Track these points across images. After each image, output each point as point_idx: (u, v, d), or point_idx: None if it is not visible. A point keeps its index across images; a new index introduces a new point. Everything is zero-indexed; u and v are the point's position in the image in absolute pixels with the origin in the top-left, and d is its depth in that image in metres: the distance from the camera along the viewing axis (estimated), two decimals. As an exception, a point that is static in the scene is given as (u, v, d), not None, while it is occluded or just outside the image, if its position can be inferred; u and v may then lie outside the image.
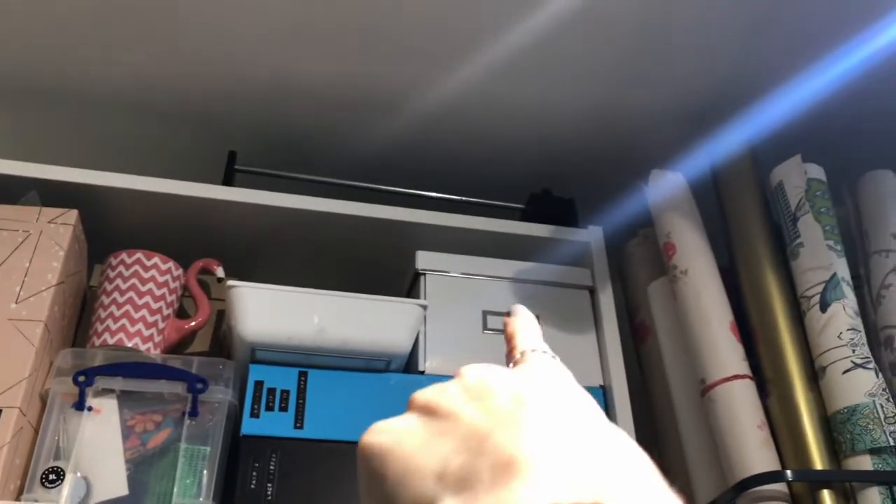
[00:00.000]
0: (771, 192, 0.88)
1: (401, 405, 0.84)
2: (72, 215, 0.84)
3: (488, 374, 0.31)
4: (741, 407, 0.75)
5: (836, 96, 0.93)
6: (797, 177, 0.85)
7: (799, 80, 0.92)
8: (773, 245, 0.85)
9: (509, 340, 0.38)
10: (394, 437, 0.30)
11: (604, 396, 0.88)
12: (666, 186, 0.91)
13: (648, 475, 0.26)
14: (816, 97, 0.91)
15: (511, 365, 0.35)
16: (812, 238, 0.81)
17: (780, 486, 0.71)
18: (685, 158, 0.96)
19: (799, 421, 0.74)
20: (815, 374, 0.77)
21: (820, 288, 0.78)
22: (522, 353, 0.35)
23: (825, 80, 0.92)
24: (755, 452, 0.73)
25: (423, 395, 0.31)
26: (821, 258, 0.79)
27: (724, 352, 0.79)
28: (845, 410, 0.72)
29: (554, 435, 0.26)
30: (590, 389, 0.88)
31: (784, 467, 0.73)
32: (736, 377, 0.77)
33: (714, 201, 0.93)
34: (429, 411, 0.30)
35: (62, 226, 0.83)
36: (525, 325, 0.37)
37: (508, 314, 0.40)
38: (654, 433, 0.92)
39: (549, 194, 1.05)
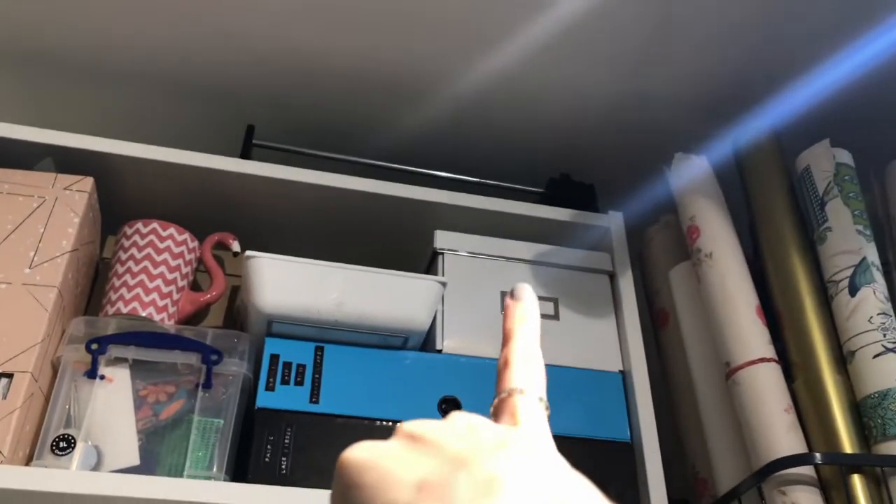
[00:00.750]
0: (797, 176, 0.87)
1: (416, 384, 0.83)
2: (87, 182, 0.83)
3: (477, 423, 0.31)
4: (767, 390, 0.74)
5: (861, 82, 0.92)
6: (825, 161, 0.83)
7: (823, 65, 0.91)
8: (799, 229, 0.84)
9: (506, 340, 0.36)
10: (376, 453, 0.30)
11: (623, 382, 0.86)
12: (690, 170, 0.90)
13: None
14: (841, 82, 0.90)
15: (496, 399, 0.34)
16: (841, 222, 0.79)
17: (807, 470, 0.70)
18: (709, 144, 0.95)
19: (827, 405, 0.72)
20: (843, 359, 0.75)
21: (849, 272, 0.77)
22: (510, 394, 0.34)
23: (849, 65, 0.90)
24: (782, 436, 0.71)
25: (410, 425, 0.31)
26: (850, 242, 0.78)
27: (749, 335, 0.77)
28: (876, 395, 0.71)
29: (534, 468, 0.28)
30: (609, 375, 0.87)
31: (812, 451, 0.71)
32: (762, 360, 0.76)
33: (738, 186, 0.91)
34: (413, 439, 0.30)
35: (78, 192, 0.82)
36: (526, 321, 0.36)
37: (511, 294, 0.38)
38: (674, 419, 0.91)
39: (569, 179, 1.04)
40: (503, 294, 0.90)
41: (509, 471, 0.27)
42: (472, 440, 0.29)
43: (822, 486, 0.70)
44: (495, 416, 0.34)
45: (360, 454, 0.30)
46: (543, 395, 0.34)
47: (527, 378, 0.34)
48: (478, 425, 0.31)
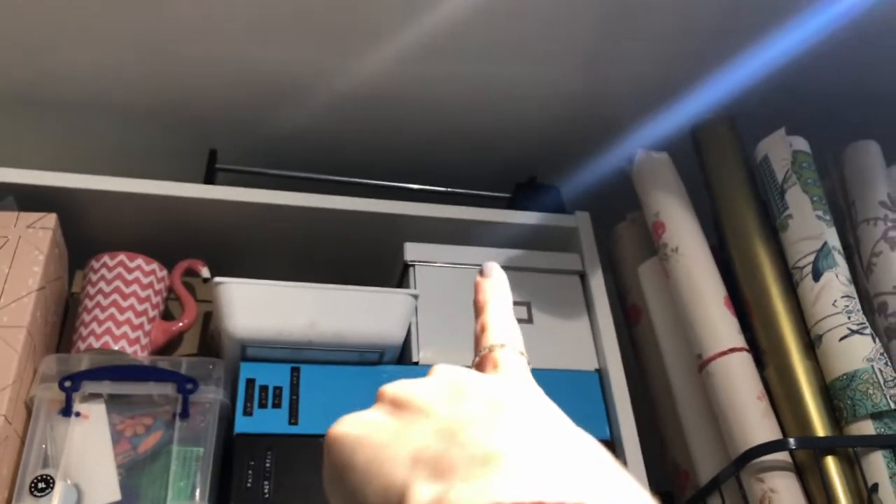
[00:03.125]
0: (756, 166, 0.88)
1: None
2: (51, 219, 0.82)
3: (464, 377, 0.30)
4: (739, 379, 0.75)
5: (812, 67, 0.93)
6: (783, 149, 0.85)
7: (774, 48, 0.92)
8: (761, 218, 0.85)
9: (479, 311, 0.36)
10: (364, 428, 0.29)
11: (600, 380, 0.87)
12: (651, 166, 0.91)
13: (624, 478, 0.25)
14: (794, 67, 0.91)
15: (477, 357, 0.34)
16: (801, 209, 0.81)
17: (783, 456, 0.71)
18: (668, 138, 0.96)
19: (798, 390, 0.74)
20: (811, 344, 0.77)
21: (811, 257, 0.78)
22: (491, 350, 0.33)
23: (801, 48, 0.92)
24: (756, 423, 0.72)
25: (393, 388, 0.30)
26: (811, 228, 0.79)
27: (719, 326, 0.78)
28: (844, 377, 0.72)
29: (531, 436, 0.26)
30: (585, 374, 0.88)
31: (786, 437, 0.72)
32: (732, 350, 0.77)
33: (700, 179, 0.92)
34: (399, 405, 0.29)
35: (41, 230, 0.81)
36: (497, 293, 0.36)
37: (481, 272, 0.38)
38: (652, 414, 0.92)
39: (535, 182, 1.05)
40: (476, 301, 0.90)
41: (505, 439, 0.25)
42: (463, 404, 0.28)
43: (798, 470, 0.71)
44: (477, 371, 0.33)
45: (348, 429, 0.29)
46: (523, 349, 0.34)
47: (506, 335, 0.34)
48: (464, 382, 0.29)
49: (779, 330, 0.77)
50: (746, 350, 0.78)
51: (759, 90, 0.96)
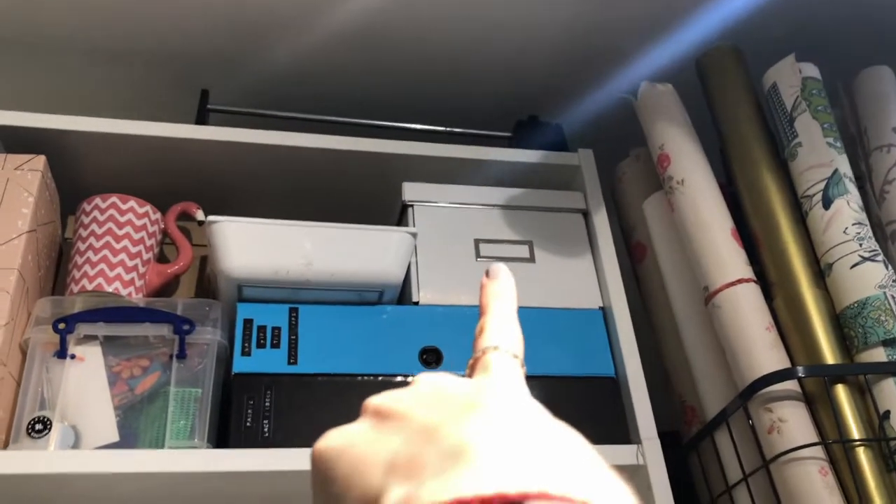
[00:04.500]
0: (764, 95, 0.85)
1: (396, 337, 0.82)
2: (39, 161, 0.80)
3: (444, 382, 0.30)
4: (747, 310, 0.73)
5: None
6: (792, 76, 0.82)
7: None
8: (769, 148, 0.83)
9: (481, 313, 0.36)
10: (344, 439, 0.29)
11: (604, 318, 0.85)
12: (656, 98, 0.88)
13: (605, 472, 0.25)
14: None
15: (472, 359, 0.34)
16: (811, 136, 0.78)
17: (792, 385, 0.69)
18: (671, 69, 0.93)
19: (807, 319, 0.72)
20: (821, 273, 0.75)
21: (822, 185, 0.76)
22: (485, 352, 0.33)
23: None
24: (765, 353, 0.70)
25: (376, 400, 0.30)
26: (821, 155, 0.77)
27: (726, 257, 0.76)
28: (855, 305, 0.70)
29: (503, 430, 0.26)
30: (589, 312, 0.86)
31: (794, 367, 0.70)
32: (740, 281, 0.75)
33: (705, 111, 0.90)
34: (380, 415, 0.29)
35: (30, 172, 0.79)
36: (501, 296, 0.36)
37: (487, 274, 0.38)
38: (657, 351, 0.90)
39: (536, 120, 1.02)
40: (477, 241, 0.88)
41: (480, 434, 0.26)
42: (440, 406, 0.28)
43: (808, 399, 0.70)
44: (469, 374, 0.33)
45: (330, 443, 0.29)
46: (520, 354, 0.34)
47: (502, 337, 0.34)
48: (444, 386, 0.30)
49: (788, 260, 0.75)
50: (754, 281, 0.76)
51: (765, 18, 0.92)
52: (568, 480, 0.23)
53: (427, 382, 0.30)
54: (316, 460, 0.30)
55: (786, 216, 0.78)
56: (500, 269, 0.38)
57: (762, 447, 0.69)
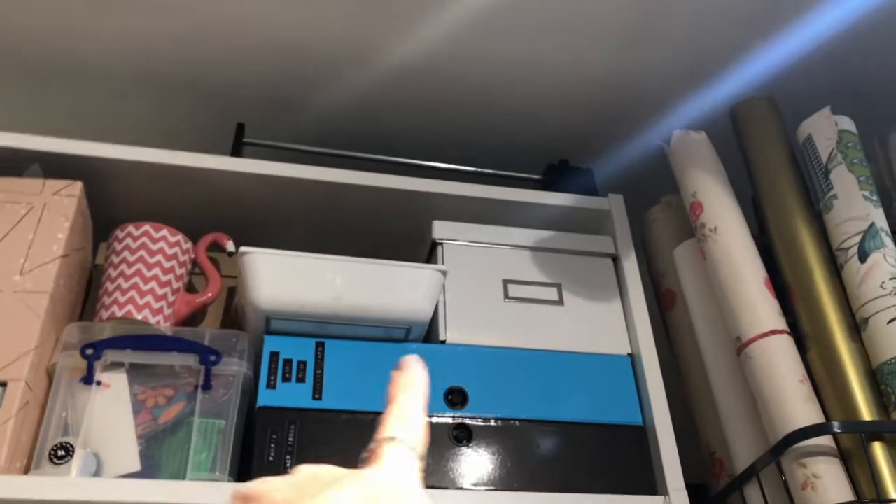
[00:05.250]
0: (799, 146, 0.85)
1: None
2: (76, 187, 0.81)
3: (321, 471, 0.30)
4: (781, 362, 0.72)
5: (854, 49, 0.90)
6: (828, 128, 0.82)
7: (815, 27, 0.88)
8: (803, 200, 0.82)
9: (389, 403, 0.37)
10: None
11: (632, 365, 0.84)
12: (689, 146, 0.88)
13: None
14: (838, 47, 0.88)
15: (366, 452, 0.34)
16: (847, 189, 0.78)
17: (826, 441, 0.68)
18: (704, 119, 0.93)
19: (843, 374, 0.70)
20: (856, 327, 0.73)
21: (858, 238, 0.75)
22: (381, 443, 0.34)
23: (841, 28, 0.88)
24: (798, 407, 0.69)
25: (244, 487, 0.30)
26: (857, 208, 0.76)
27: (759, 307, 0.75)
28: (892, 361, 0.69)
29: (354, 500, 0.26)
30: (617, 358, 0.85)
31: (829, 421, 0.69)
32: (773, 332, 0.74)
33: (739, 160, 0.89)
34: (245, 499, 0.29)
35: (67, 197, 0.80)
36: (409, 388, 0.36)
37: (398, 366, 0.38)
38: (686, 401, 0.89)
39: (567, 165, 1.02)
40: (505, 282, 0.88)
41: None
42: (304, 489, 0.28)
43: (842, 456, 0.68)
44: (363, 466, 0.33)
45: None
46: (418, 447, 0.33)
47: (401, 429, 0.34)
48: (318, 473, 0.29)
49: (822, 313, 0.74)
50: (788, 333, 0.74)
51: (800, 71, 0.93)
52: None
53: (304, 470, 0.30)
54: None
55: (820, 268, 0.77)
56: (411, 360, 0.37)
57: (795, 504, 0.67)
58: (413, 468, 0.32)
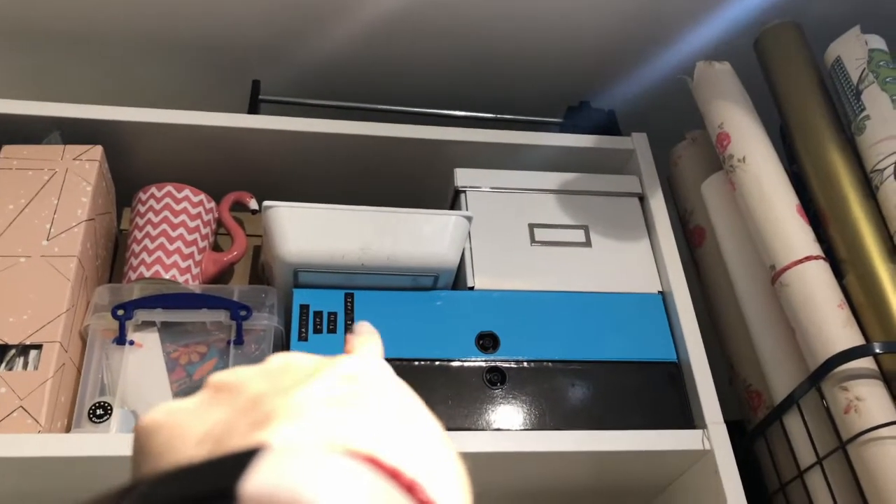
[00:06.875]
0: (827, 70, 0.83)
1: (452, 322, 0.81)
2: (97, 151, 0.81)
3: (295, 359, 0.29)
4: (818, 287, 0.70)
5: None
6: (858, 49, 0.79)
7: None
8: (834, 124, 0.80)
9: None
10: (168, 414, 0.27)
11: (664, 302, 0.83)
12: (713, 78, 0.86)
13: (444, 453, 0.25)
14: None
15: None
16: (880, 108, 0.75)
17: (868, 363, 0.67)
18: (725, 50, 0.91)
19: (882, 296, 0.69)
20: (894, 248, 0.72)
21: (893, 158, 0.73)
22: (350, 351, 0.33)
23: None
24: (838, 331, 0.68)
25: (218, 374, 0.29)
26: (892, 127, 0.74)
27: (793, 234, 0.73)
28: (933, 279, 0.67)
29: (332, 398, 0.25)
30: (648, 296, 0.84)
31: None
32: (808, 258, 0.72)
33: (765, 89, 0.87)
34: (218, 388, 0.28)
35: (88, 161, 0.80)
36: (365, 345, 0.35)
37: (352, 330, 0.37)
38: (720, 337, 0.88)
39: (588, 106, 1.01)
40: (531, 226, 0.87)
41: (295, 402, 0.24)
42: (279, 379, 0.27)
43: (885, 378, 0.67)
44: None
45: (153, 416, 0.27)
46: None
47: (367, 351, 0.34)
48: (292, 362, 0.28)
49: (859, 236, 0.72)
50: (823, 258, 0.73)
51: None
52: (402, 456, 0.22)
53: (279, 358, 0.29)
54: (135, 433, 0.27)
55: (855, 191, 0.75)
56: (365, 325, 0.37)
57: (838, 428, 0.66)
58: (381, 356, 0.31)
